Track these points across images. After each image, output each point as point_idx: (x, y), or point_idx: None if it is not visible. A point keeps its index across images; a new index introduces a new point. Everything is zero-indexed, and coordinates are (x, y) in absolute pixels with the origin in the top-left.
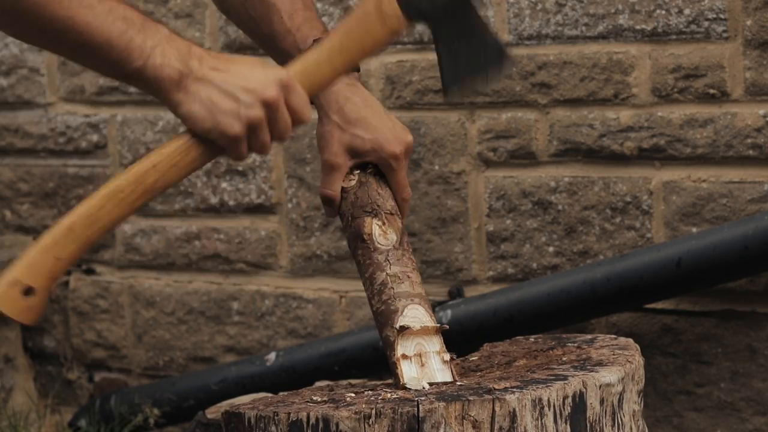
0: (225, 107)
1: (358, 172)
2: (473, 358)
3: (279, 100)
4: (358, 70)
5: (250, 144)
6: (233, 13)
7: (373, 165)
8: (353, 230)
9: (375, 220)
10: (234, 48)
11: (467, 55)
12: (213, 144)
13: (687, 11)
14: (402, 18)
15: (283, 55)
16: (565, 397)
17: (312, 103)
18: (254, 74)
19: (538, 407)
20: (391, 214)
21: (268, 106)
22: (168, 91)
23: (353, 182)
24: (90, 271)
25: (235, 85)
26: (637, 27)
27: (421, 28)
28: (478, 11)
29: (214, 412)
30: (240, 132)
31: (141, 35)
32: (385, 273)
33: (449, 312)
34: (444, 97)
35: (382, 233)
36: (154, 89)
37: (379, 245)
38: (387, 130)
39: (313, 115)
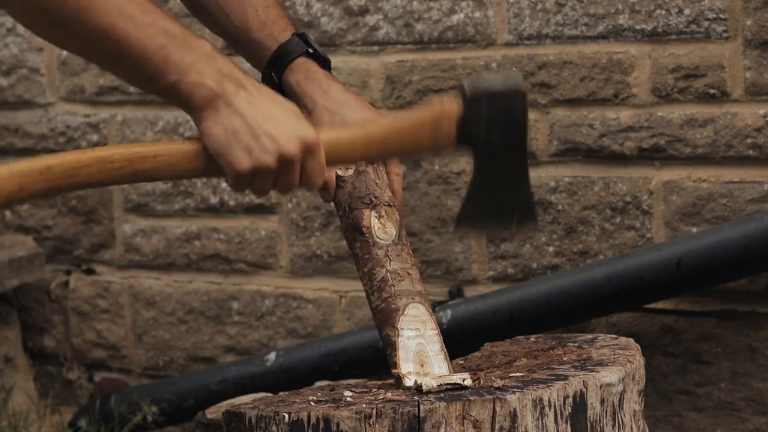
0: (242, 142)
1: None
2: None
3: (296, 159)
4: (329, 67)
5: (251, 183)
6: (203, 8)
7: None
8: (351, 222)
9: (373, 213)
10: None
11: (496, 204)
12: (218, 166)
13: (687, 11)
14: (454, 142)
15: (256, 46)
16: (565, 397)
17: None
18: (285, 123)
19: (538, 407)
20: (390, 206)
21: (283, 160)
22: (198, 108)
23: (350, 171)
24: (90, 271)
25: (262, 126)
26: (637, 27)
27: (421, 29)
28: (526, 165)
29: (214, 412)
30: (246, 170)
31: (180, 51)
32: (385, 269)
33: (449, 312)
34: (453, 229)
35: (381, 227)
36: (185, 105)
37: (378, 239)
38: (371, 110)
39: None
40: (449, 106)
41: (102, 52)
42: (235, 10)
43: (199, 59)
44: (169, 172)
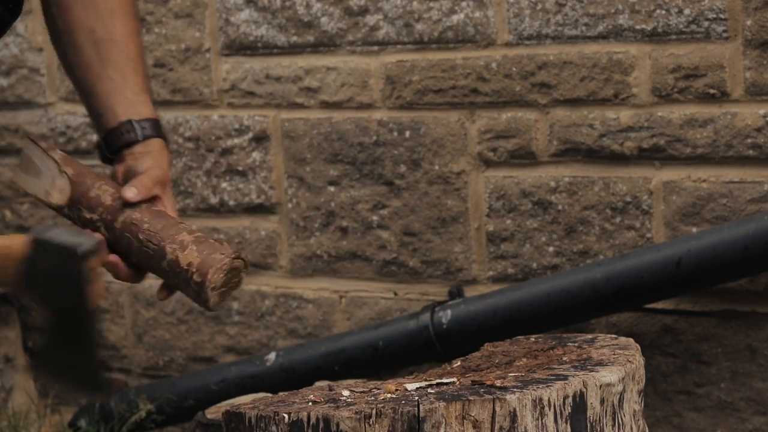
0: None
1: None
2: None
3: None
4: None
5: None
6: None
7: None
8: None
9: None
10: (234, 48)
11: (60, 365)
12: None
13: (687, 11)
14: (20, 282)
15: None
16: (565, 397)
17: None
18: None
19: (538, 407)
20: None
21: None
22: None
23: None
24: None
25: None
26: (637, 27)
27: (421, 29)
28: (93, 332)
29: (214, 412)
30: None
31: None
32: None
33: (449, 312)
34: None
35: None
36: None
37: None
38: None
39: None
40: (16, 242)
41: None
42: (111, 62)
43: None
44: None
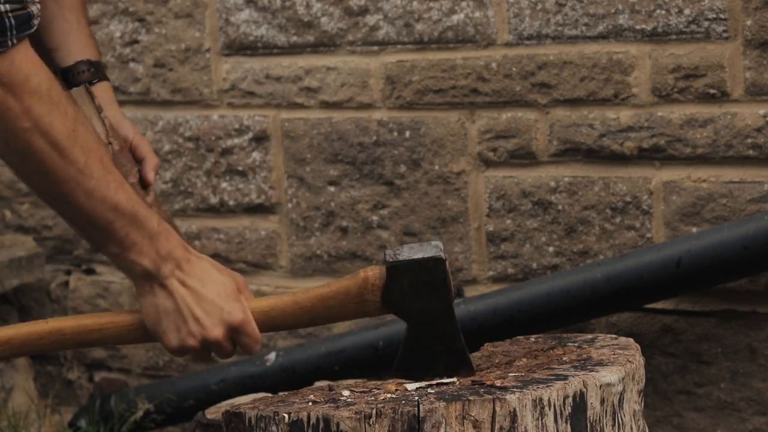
0: (172, 324)
1: None
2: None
3: (221, 342)
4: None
5: (187, 354)
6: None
7: None
8: None
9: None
10: (234, 48)
11: (429, 358)
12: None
13: (687, 11)
14: (380, 308)
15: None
16: (565, 397)
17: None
18: (213, 306)
19: (538, 407)
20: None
21: (208, 343)
22: (134, 280)
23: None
24: (90, 271)
25: (190, 310)
26: (637, 27)
27: (421, 29)
28: (455, 320)
29: (214, 412)
30: (175, 348)
31: (125, 229)
32: None
33: None
34: (391, 371)
35: None
36: (126, 274)
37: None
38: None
39: None
40: (372, 276)
41: (59, 209)
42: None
43: (142, 239)
44: (115, 340)
